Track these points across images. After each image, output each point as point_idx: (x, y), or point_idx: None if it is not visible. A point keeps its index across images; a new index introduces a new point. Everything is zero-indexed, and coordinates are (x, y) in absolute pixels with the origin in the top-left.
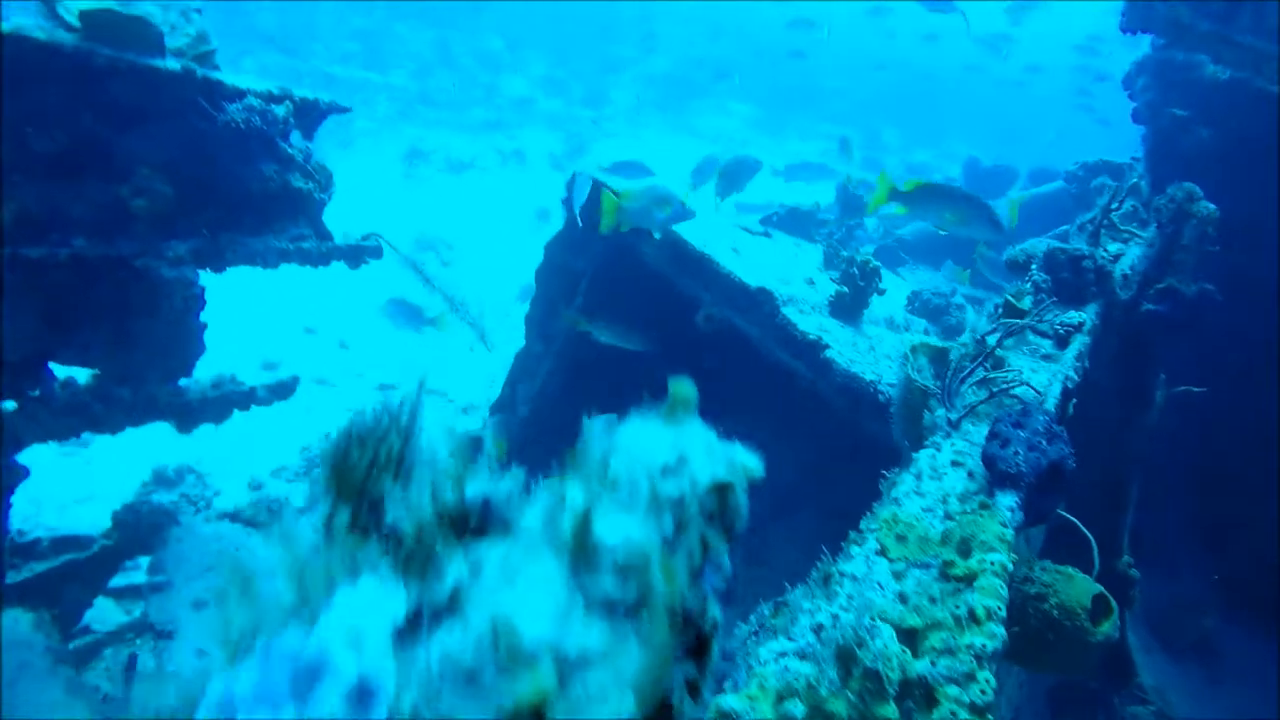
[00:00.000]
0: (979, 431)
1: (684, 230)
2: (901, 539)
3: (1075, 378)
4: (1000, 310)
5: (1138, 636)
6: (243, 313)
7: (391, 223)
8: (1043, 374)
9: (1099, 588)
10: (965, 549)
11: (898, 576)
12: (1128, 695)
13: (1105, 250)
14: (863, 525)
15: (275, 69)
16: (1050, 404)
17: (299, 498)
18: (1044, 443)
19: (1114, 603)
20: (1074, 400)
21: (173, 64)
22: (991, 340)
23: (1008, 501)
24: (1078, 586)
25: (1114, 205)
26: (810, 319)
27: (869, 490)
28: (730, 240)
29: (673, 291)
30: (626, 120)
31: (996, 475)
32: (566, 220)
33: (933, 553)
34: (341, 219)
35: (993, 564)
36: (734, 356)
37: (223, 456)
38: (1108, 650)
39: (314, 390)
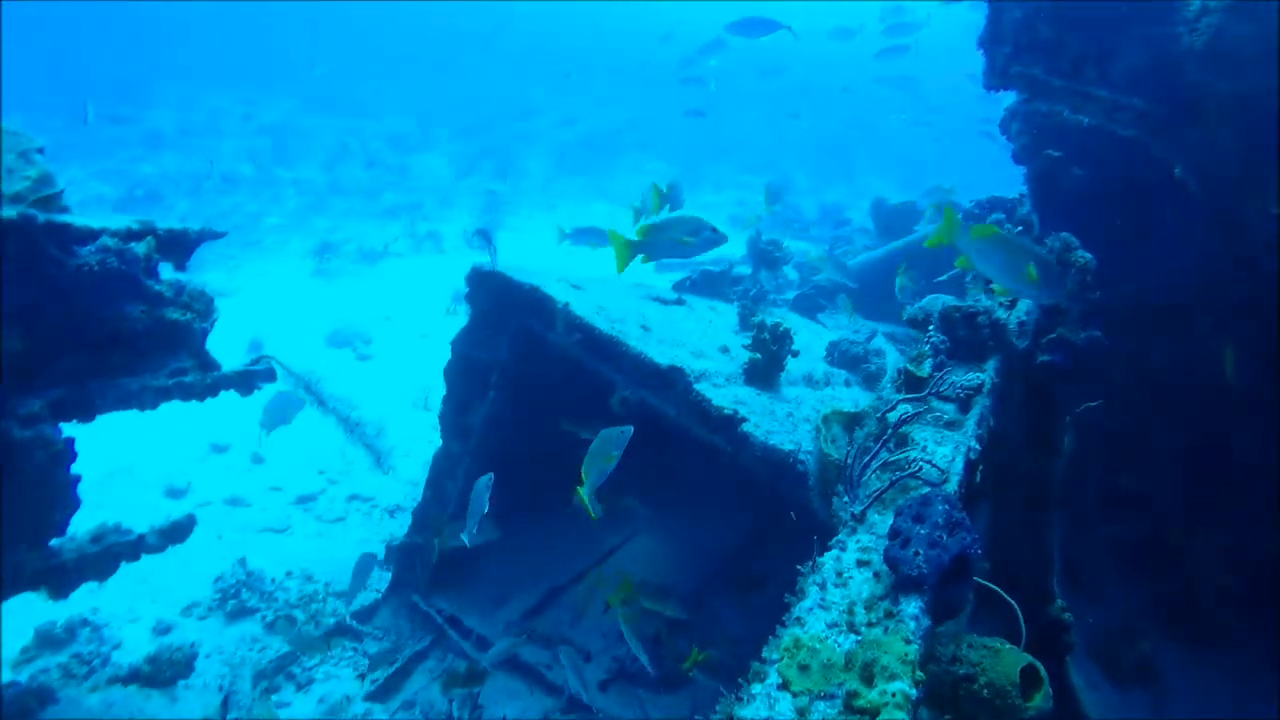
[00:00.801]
0: (885, 521)
1: (592, 312)
2: (804, 668)
3: (978, 446)
4: (901, 378)
5: (1080, 673)
6: (144, 436)
7: (304, 320)
8: (946, 446)
9: (1028, 658)
10: (868, 675)
11: (801, 714)
12: None
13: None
14: (765, 653)
15: (173, 174)
16: (954, 483)
17: (212, 638)
18: (944, 536)
19: (1044, 673)
20: (980, 468)
21: (9, 211)
22: (893, 417)
23: (912, 610)
24: (1006, 661)
25: None
26: (725, 391)
27: (805, 554)
28: (641, 315)
29: (586, 375)
30: (542, 190)
31: (900, 579)
32: (471, 315)
33: (837, 680)
34: (252, 321)
35: (894, 695)
36: (659, 434)
37: (124, 598)
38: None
39: (226, 512)
